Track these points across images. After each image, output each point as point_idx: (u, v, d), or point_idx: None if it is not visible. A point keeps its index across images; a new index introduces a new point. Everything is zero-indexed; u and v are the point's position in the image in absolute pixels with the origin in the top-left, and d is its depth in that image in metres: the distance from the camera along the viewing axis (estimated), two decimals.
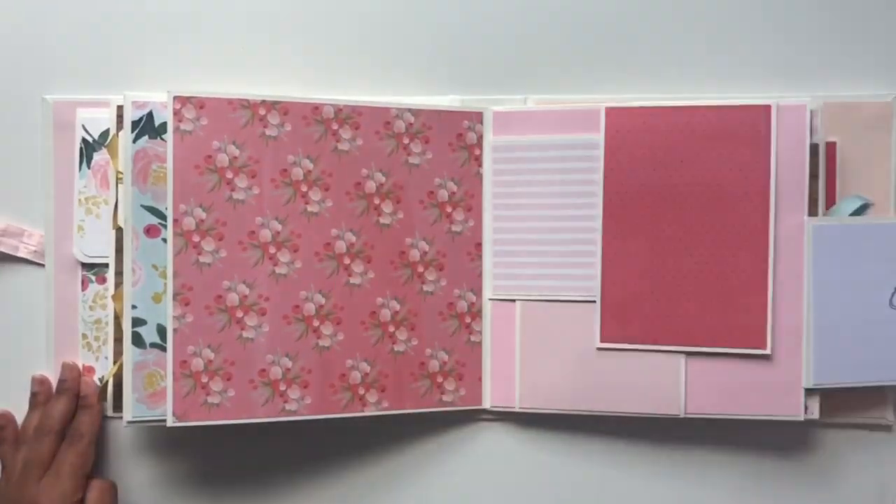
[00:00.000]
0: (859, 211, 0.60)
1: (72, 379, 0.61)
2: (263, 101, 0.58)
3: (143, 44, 0.63)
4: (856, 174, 0.60)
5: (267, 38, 0.63)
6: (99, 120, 0.61)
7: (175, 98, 0.57)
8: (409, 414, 0.61)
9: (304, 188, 0.59)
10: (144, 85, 0.62)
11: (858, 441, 0.62)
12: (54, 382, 0.61)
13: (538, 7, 0.63)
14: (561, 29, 0.63)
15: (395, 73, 0.63)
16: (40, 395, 0.61)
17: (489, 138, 0.62)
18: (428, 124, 0.61)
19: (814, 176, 0.59)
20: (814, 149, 0.58)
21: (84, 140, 0.62)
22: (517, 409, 0.61)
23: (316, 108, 0.59)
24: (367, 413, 0.60)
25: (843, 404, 0.60)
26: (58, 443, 0.59)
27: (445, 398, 0.61)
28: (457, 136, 0.61)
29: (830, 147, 0.60)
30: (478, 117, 0.62)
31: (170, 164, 0.57)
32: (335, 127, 0.59)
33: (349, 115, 0.59)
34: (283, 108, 0.58)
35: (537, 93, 0.63)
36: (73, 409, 0.60)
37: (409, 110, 0.61)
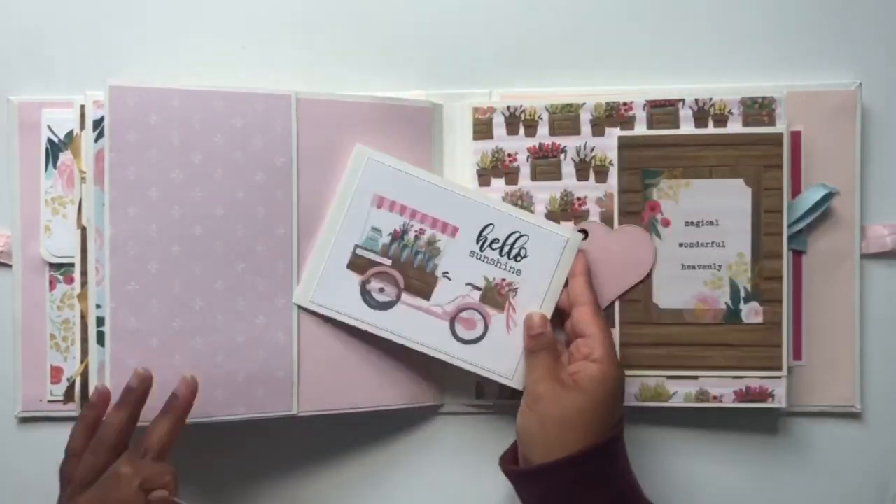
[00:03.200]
0: (824, 200, 0.59)
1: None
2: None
3: (109, 43, 0.63)
4: (820, 162, 0.60)
5: (232, 35, 0.63)
6: (64, 120, 0.61)
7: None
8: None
9: None
10: None
11: (827, 429, 0.62)
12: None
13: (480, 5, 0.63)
14: (509, 24, 0.63)
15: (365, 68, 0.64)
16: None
17: None
18: None
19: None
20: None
21: (50, 140, 0.62)
22: None
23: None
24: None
25: (810, 391, 0.61)
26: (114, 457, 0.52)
27: None
28: None
29: (795, 136, 0.60)
30: None
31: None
32: None
33: None
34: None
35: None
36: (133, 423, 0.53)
37: None
